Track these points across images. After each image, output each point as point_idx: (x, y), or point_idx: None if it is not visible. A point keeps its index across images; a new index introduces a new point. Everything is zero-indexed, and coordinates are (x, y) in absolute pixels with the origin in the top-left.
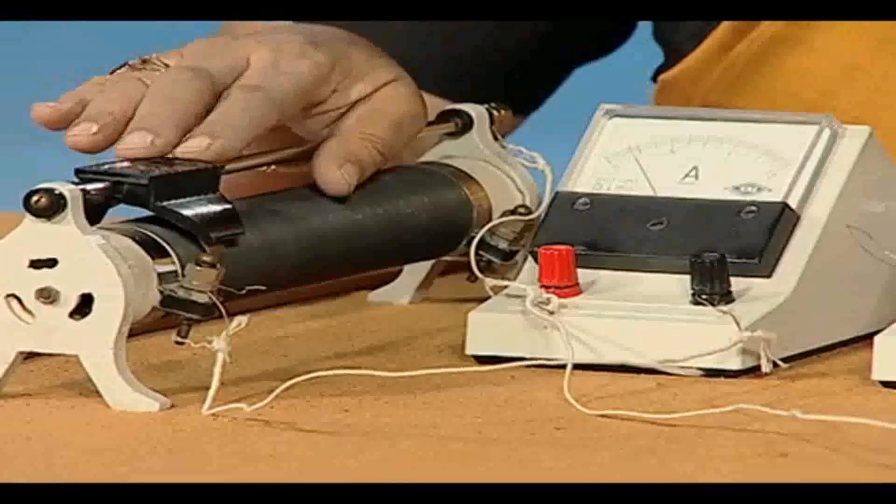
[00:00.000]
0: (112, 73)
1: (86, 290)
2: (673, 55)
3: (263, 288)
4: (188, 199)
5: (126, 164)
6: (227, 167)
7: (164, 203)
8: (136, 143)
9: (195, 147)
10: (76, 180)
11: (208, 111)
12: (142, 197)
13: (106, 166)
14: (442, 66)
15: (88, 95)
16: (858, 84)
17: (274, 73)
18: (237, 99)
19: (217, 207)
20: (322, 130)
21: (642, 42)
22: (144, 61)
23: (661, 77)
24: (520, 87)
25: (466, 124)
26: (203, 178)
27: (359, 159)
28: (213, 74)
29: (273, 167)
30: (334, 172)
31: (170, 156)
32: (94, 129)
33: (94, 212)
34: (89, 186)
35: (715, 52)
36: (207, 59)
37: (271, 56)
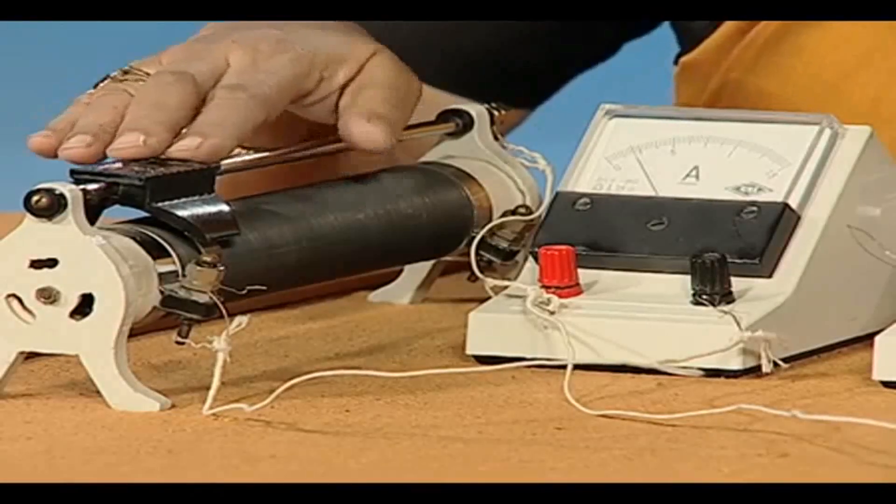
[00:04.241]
0: (96, 87)
1: (86, 290)
2: (691, 40)
3: (264, 288)
4: (184, 199)
5: (120, 165)
6: (224, 167)
7: (160, 204)
8: (128, 142)
9: (187, 147)
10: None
11: (195, 113)
12: (137, 198)
13: (101, 167)
14: (447, 58)
15: (75, 117)
16: (878, 66)
17: (254, 71)
18: (222, 99)
19: (213, 208)
20: (328, 115)
21: (643, 42)
22: (126, 72)
23: (682, 60)
24: (524, 83)
25: (467, 124)
26: (198, 179)
27: (382, 116)
28: (196, 77)
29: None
30: (365, 125)
31: (164, 157)
32: (89, 139)
33: (90, 213)
34: (86, 187)
35: (734, 34)
36: (187, 64)
37: (250, 55)
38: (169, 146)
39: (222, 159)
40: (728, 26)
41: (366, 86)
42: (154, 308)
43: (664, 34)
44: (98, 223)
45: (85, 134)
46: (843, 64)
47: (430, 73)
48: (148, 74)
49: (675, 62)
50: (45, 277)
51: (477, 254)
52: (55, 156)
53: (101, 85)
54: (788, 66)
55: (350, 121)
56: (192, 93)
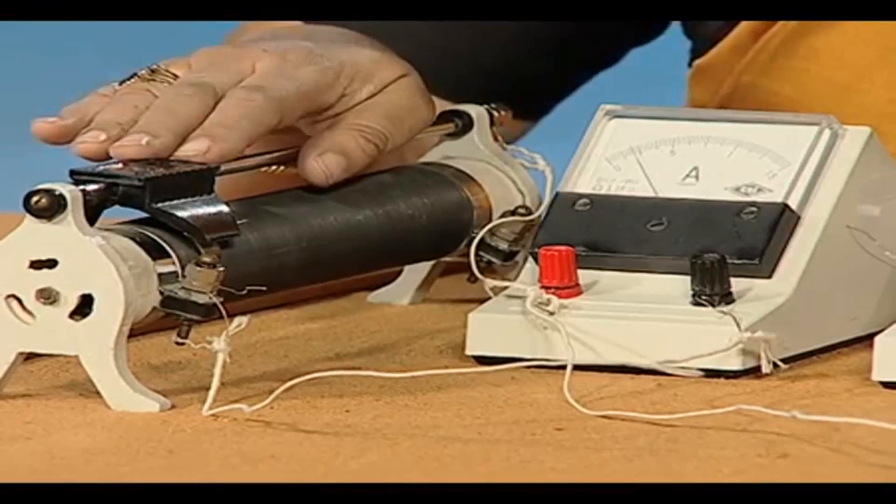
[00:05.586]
0: (121, 84)
1: (86, 291)
2: (704, 44)
3: (264, 288)
4: (183, 200)
5: (120, 165)
6: (223, 168)
7: (159, 204)
8: (131, 141)
9: (195, 150)
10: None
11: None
12: (137, 198)
13: (101, 168)
14: (450, 70)
15: (90, 109)
16: (893, 67)
17: (276, 76)
18: (237, 99)
19: (212, 209)
20: None
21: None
22: (153, 72)
23: (696, 63)
24: (529, 94)
25: (466, 125)
26: (198, 179)
27: (342, 149)
28: (217, 88)
29: (272, 168)
30: (311, 162)
31: (166, 158)
32: (103, 136)
33: (89, 213)
34: (86, 188)
35: (747, 37)
36: (213, 71)
37: (277, 63)
38: (174, 150)
39: (228, 162)
40: (741, 29)
41: (370, 106)
42: (154, 309)
43: (666, 37)
44: (98, 223)
45: (101, 130)
46: (857, 66)
47: (448, 87)
48: (175, 76)
49: (689, 65)
50: (44, 278)
51: (476, 254)
52: (55, 143)
53: (128, 83)
54: (802, 69)
55: (304, 153)
56: (209, 105)
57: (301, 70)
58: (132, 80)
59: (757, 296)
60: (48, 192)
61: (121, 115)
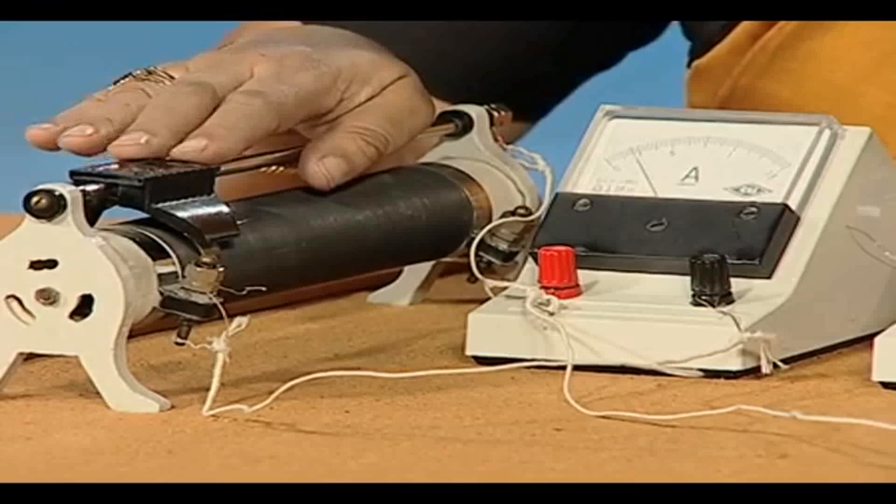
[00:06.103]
0: (115, 83)
1: (86, 291)
2: (703, 45)
3: (263, 289)
4: (183, 200)
5: (120, 166)
6: (223, 168)
7: (159, 205)
8: (129, 140)
9: (192, 148)
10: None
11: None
12: (136, 199)
13: (100, 168)
14: (449, 71)
15: (85, 113)
16: (892, 70)
17: (275, 82)
18: (237, 103)
19: (212, 209)
20: None
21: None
22: (149, 73)
23: (694, 64)
24: (528, 95)
25: (466, 125)
26: (198, 180)
27: (343, 152)
28: (216, 88)
29: (272, 168)
30: (312, 166)
31: (165, 158)
32: (89, 130)
33: (89, 214)
34: (86, 188)
35: (746, 39)
36: (211, 73)
37: (274, 68)
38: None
39: (227, 162)
40: (739, 31)
41: (369, 108)
42: (153, 309)
43: (666, 38)
44: (98, 224)
45: (87, 125)
46: (856, 69)
47: (447, 88)
48: (171, 78)
49: (689, 66)
50: (44, 278)
51: (476, 255)
52: (50, 149)
53: (122, 82)
54: (800, 71)
55: (305, 156)
56: (207, 104)
57: (299, 76)
58: (126, 80)
59: (757, 296)
60: (48, 192)
61: (110, 112)
